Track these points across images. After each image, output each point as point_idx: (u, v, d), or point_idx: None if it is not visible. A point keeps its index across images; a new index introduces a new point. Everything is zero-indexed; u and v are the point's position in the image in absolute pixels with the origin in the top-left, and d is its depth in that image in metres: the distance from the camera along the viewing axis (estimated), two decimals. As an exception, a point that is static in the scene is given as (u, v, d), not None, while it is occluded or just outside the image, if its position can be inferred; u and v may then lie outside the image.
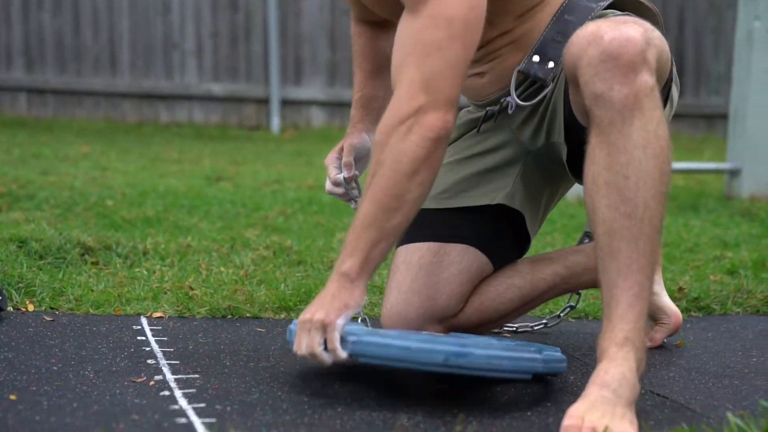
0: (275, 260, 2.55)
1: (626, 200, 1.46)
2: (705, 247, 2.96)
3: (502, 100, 1.77)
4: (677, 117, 6.95)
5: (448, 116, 1.54)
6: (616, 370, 1.42)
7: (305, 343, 1.51)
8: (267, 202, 3.63)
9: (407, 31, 1.56)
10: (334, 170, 1.90)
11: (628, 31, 1.47)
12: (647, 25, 1.54)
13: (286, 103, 6.96)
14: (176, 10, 6.94)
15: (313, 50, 6.96)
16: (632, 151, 1.46)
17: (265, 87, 6.95)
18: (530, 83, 1.75)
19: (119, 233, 2.77)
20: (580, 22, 1.69)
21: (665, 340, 1.95)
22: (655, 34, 1.52)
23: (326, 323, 1.51)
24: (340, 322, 1.51)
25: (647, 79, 1.46)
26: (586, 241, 1.96)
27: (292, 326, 1.64)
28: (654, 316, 1.95)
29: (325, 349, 1.50)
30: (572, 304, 2.05)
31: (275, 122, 6.87)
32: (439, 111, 1.53)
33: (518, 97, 1.74)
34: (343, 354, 1.49)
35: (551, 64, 1.70)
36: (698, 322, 2.18)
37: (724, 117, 6.61)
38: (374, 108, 1.92)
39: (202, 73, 6.98)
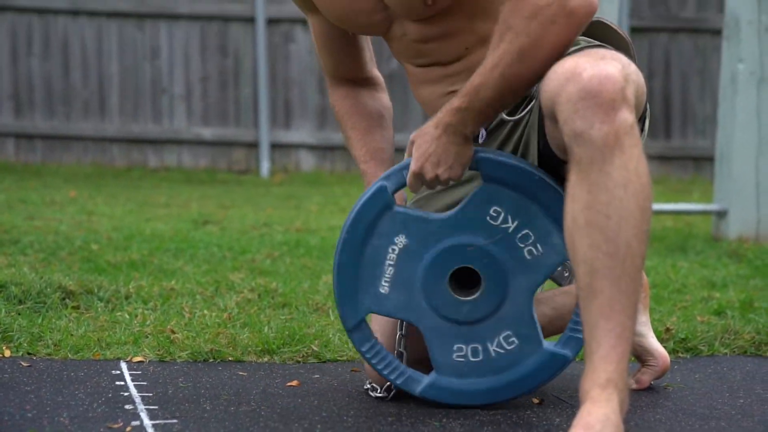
0: (260, 303, 2.53)
1: (608, 240, 1.45)
2: (692, 288, 2.95)
3: None
4: (665, 159, 6.98)
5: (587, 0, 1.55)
6: (599, 411, 1.40)
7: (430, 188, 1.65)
8: (254, 245, 3.61)
9: None
10: None
11: (607, 68, 1.46)
12: (624, 59, 1.53)
13: (275, 147, 6.96)
14: (165, 54, 6.96)
15: (302, 94, 6.98)
16: (613, 190, 1.45)
17: (254, 131, 6.96)
18: None
19: (102, 277, 2.74)
20: None
21: (652, 383, 1.93)
22: (632, 69, 1.52)
23: (454, 179, 1.64)
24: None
25: (627, 117, 1.46)
26: (559, 268, 1.93)
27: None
28: (641, 357, 1.93)
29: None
30: None
31: (265, 166, 6.87)
32: None
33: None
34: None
35: None
36: (685, 363, 2.16)
37: (711, 159, 6.64)
38: (385, 159, 1.90)
39: (191, 118, 6.99)
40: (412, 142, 1.66)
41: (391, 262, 1.70)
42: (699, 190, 6.16)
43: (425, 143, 1.64)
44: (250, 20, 6.91)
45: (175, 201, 5.22)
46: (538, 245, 1.70)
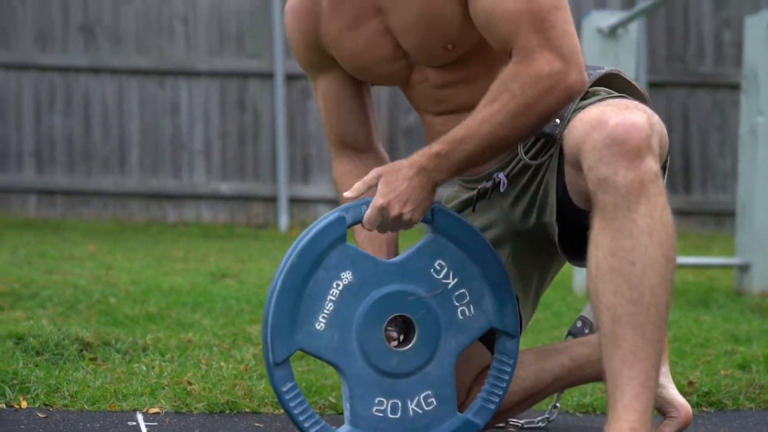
0: (277, 356, 2.51)
1: (632, 287, 1.44)
2: (716, 342, 2.91)
3: (494, 176, 1.76)
4: (685, 215, 6.94)
5: (584, 76, 1.59)
6: None
7: (384, 230, 1.65)
8: (271, 298, 3.60)
9: (505, 4, 1.58)
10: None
11: (633, 116, 1.47)
12: (648, 110, 1.53)
13: (293, 201, 6.98)
14: (185, 111, 7.03)
15: (320, 149, 7.01)
16: (638, 237, 1.44)
17: (272, 185, 6.99)
18: (533, 141, 1.73)
19: (119, 329, 2.74)
20: None
21: (675, 436, 1.89)
22: (656, 119, 1.52)
23: (413, 222, 1.64)
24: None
25: (652, 165, 1.45)
26: (578, 324, 1.92)
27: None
28: (662, 409, 1.89)
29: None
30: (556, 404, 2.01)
31: (283, 220, 6.88)
32: (579, 75, 1.58)
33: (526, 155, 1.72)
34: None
35: (557, 121, 1.68)
36: (710, 418, 2.12)
37: (732, 214, 6.61)
38: (390, 241, 1.87)
39: (210, 173, 7.03)
40: (379, 176, 1.64)
41: (333, 298, 1.65)
42: (720, 246, 6.12)
43: (396, 180, 1.63)
44: (269, 76, 6.97)
45: (193, 255, 5.22)
46: (471, 306, 1.71)
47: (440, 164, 1.62)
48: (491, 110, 1.59)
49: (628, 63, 3.84)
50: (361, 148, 1.90)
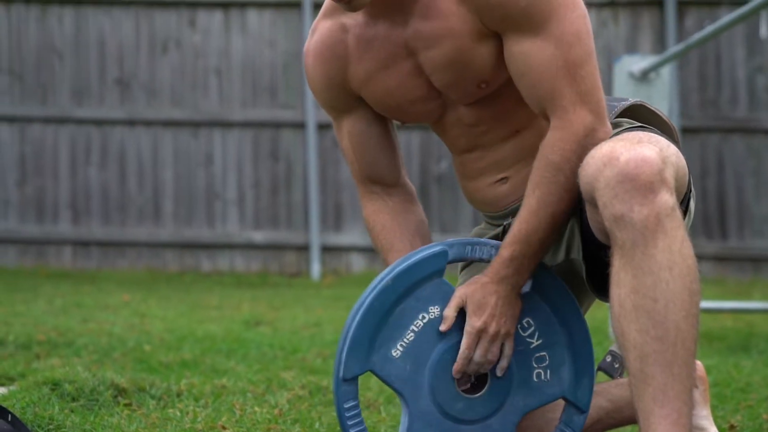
0: (311, 399, 2.49)
1: (656, 324, 1.42)
2: (757, 387, 2.85)
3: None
4: (723, 261, 6.86)
5: (609, 128, 1.61)
6: None
7: (484, 354, 1.62)
8: (305, 344, 3.59)
9: (542, 56, 1.58)
10: None
11: (644, 151, 1.45)
12: (663, 141, 1.52)
13: (326, 250, 6.99)
14: (219, 161, 7.09)
15: (352, 197, 7.03)
16: (658, 273, 1.43)
17: (305, 234, 7.01)
18: None
19: (154, 376, 2.74)
20: None
21: (718, 479, 1.85)
22: (671, 150, 1.50)
23: (510, 335, 1.62)
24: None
25: (667, 199, 1.44)
26: (608, 359, 1.88)
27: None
28: (705, 452, 1.85)
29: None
30: None
31: (315, 268, 6.89)
32: (606, 127, 1.60)
33: None
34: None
35: None
36: (753, 462, 2.07)
37: (769, 259, 6.54)
38: None
39: (243, 222, 7.07)
40: (463, 299, 1.63)
41: (415, 329, 1.64)
42: (759, 291, 6.04)
43: (483, 297, 1.62)
44: (301, 126, 7.03)
45: (227, 303, 5.23)
46: (549, 372, 1.68)
47: (519, 266, 1.61)
48: (543, 192, 1.59)
49: (662, 107, 3.83)
50: (388, 183, 1.88)
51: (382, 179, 1.87)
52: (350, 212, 7.04)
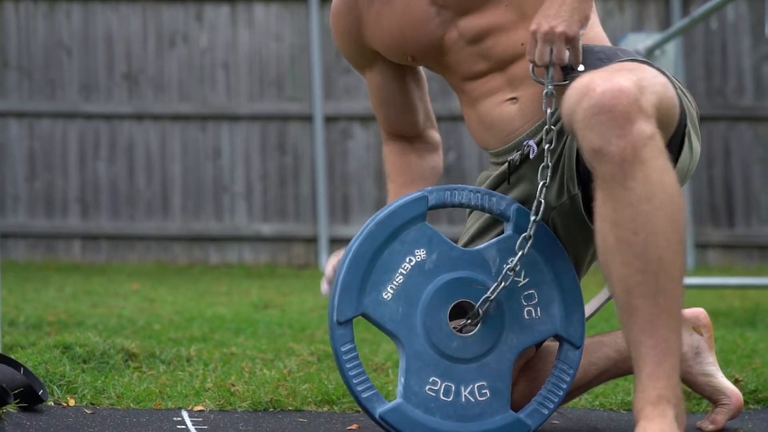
0: (319, 364, 2.52)
1: (638, 256, 1.43)
2: (763, 352, 2.87)
3: (524, 144, 1.75)
4: (730, 248, 6.87)
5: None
6: (654, 427, 1.36)
7: (548, 54, 1.59)
8: (314, 323, 3.61)
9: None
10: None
11: (620, 81, 1.45)
12: (648, 71, 1.52)
13: (334, 242, 7.01)
14: (226, 154, 7.12)
15: (360, 189, 7.06)
16: (637, 205, 1.43)
17: (313, 226, 7.03)
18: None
19: (163, 344, 2.76)
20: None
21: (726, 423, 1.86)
22: (656, 80, 1.50)
23: (570, 36, 1.58)
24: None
25: (644, 128, 1.44)
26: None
27: None
28: (713, 397, 1.87)
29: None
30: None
31: (324, 260, 6.91)
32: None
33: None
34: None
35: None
36: (757, 414, 2.09)
37: (777, 247, 6.54)
38: None
39: (251, 215, 7.10)
40: (535, 31, 1.63)
41: (404, 272, 1.68)
42: (767, 277, 6.04)
43: (554, 5, 1.62)
44: (308, 119, 7.06)
45: (235, 290, 5.26)
46: (539, 309, 1.72)
47: None
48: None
49: (666, 85, 3.85)
50: (408, 136, 1.96)
51: (401, 132, 1.97)
52: (358, 204, 7.07)
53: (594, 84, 1.46)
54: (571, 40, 1.61)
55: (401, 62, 1.88)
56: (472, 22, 1.76)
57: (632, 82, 1.46)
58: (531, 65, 1.66)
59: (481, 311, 1.68)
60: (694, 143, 1.71)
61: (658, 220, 1.43)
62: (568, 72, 1.66)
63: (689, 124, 1.67)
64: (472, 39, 1.77)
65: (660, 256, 1.42)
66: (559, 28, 1.60)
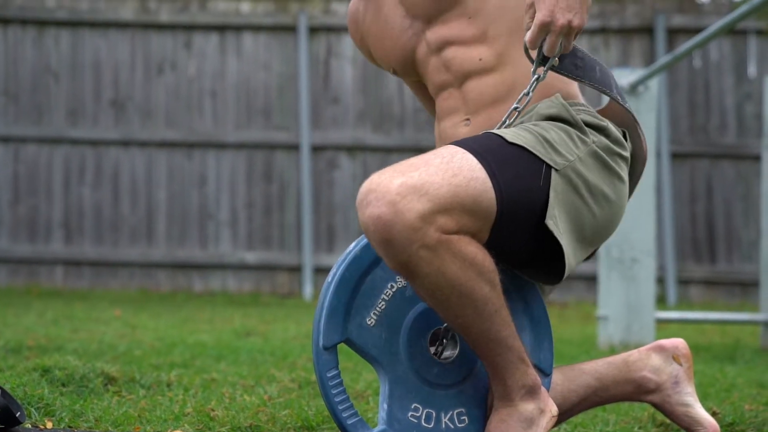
0: (300, 391, 2.51)
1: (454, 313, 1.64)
2: (742, 387, 2.88)
3: None
4: (711, 284, 6.90)
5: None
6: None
7: (558, 46, 1.63)
8: (296, 351, 3.61)
9: None
10: None
11: (383, 206, 1.56)
12: (439, 168, 1.59)
13: (318, 271, 7.01)
14: (212, 182, 7.13)
15: (345, 218, 7.07)
16: (433, 296, 1.62)
17: (298, 255, 7.03)
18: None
19: (144, 369, 2.75)
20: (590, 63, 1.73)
21: (701, 456, 1.87)
22: (446, 180, 1.58)
23: (581, 28, 1.62)
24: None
25: (410, 244, 1.55)
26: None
27: None
28: (690, 428, 1.88)
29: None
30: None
31: (308, 289, 6.91)
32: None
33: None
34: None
35: None
36: (735, 447, 2.10)
37: (758, 284, 6.56)
38: None
39: (236, 243, 7.09)
40: (548, 23, 1.62)
41: (386, 298, 1.70)
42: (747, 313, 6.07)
43: None
44: (295, 148, 7.08)
45: (218, 317, 5.25)
46: None
47: None
48: None
49: (649, 120, 3.89)
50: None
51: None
52: (343, 233, 7.08)
53: (368, 200, 1.58)
54: (578, 32, 1.66)
55: (394, 74, 1.95)
56: (437, 33, 1.85)
57: (401, 196, 1.56)
58: (524, 46, 1.68)
59: (449, 331, 1.71)
60: (592, 205, 1.72)
61: (452, 302, 1.59)
62: (544, 60, 1.67)
63: (562, 200, 1.68)
64: (436, 48, 1.85)
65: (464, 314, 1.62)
66: (575, 22, 1.63)
